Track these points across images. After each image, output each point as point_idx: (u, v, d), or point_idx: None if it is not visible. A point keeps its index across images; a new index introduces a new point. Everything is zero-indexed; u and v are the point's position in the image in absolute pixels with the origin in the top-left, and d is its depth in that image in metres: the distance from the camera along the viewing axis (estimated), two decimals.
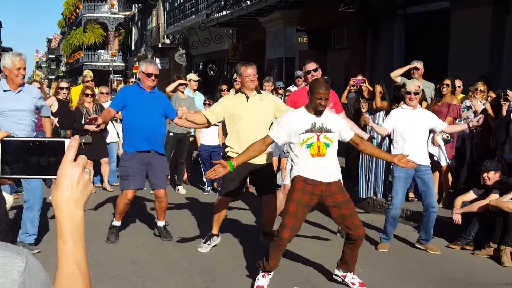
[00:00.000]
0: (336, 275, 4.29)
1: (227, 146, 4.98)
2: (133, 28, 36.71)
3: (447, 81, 6.98)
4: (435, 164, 6.52)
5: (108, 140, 8.25)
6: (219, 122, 5.37)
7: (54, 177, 1.01)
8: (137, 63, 31.12)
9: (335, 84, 8.87)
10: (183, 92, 8.09)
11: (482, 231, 5.36)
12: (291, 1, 12.89)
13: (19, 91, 4.85)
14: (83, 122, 7.56)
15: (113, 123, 8.17)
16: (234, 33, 18.29)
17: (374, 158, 6.84)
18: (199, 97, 8.98)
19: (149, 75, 5.19)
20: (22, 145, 1.04)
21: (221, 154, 8.37)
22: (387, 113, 7.21)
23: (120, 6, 39.24)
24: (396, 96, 7.44)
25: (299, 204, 3.96)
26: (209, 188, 8.26)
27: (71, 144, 1.02)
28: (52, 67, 68.10)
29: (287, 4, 13.36)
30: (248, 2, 15.07)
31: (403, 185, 5.27)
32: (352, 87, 7.95)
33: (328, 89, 4.01)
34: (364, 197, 7.23)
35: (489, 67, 8.43)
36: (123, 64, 38.27)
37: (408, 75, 7.56)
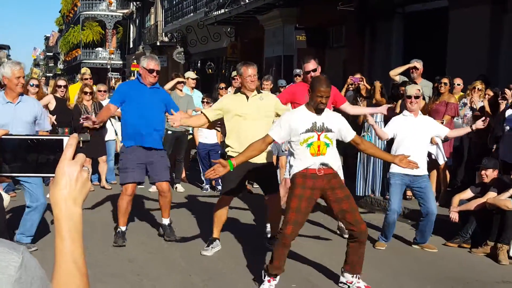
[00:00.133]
0: (341, 282, 4.23)
1: (227, 146, 4.94)
2: (131, 26, 36.66)
3: (445, 80, 6.99)
4: (433, 163, 6.54)
5: (106, 138, 8.24)
6: (218, 126, 5.30)
7: (53, 175, 1.01)
8: (135, 61, 31.07)
9: (333, 82, 8.85)
10: (181, 90, 8.09)
11: (479, 229, 5.38)
12: None
13: (18, 102, 4.84)
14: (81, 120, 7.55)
15: (111, 121, 8.16)
16: (232, 31, 18.28)
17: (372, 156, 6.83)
18: (197, 95, 8.98)
19: (150, 71, 5.11)
20: (21, 143, 1.04)
21: (219, 152, 8.42)
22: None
23: (118, 3, 39.16)
24: (394, 94, 7.45)
25: (301, 198, 3.94)
26: (207, 186, 8.26)
27: (69, 142, 1.02)
28: (49, 64, 67.93)
29: (285, 2, 13.37)
30: (247, 0, 15.06)
31: (399, 191, 5.27)
32: (350, 86, 7.96)
33: (329, 87, 3.97)
34: (361, 195, 7.24)
35: (487, 66, 8.44)
36: (121, 62, 38.21)
37: (407, 74, 7.57)
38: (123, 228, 5.27)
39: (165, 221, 5.42)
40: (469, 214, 5.42)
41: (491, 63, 8.50)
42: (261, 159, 4.69)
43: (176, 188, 8.13)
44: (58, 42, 58.00)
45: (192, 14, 20.64)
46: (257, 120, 4.78)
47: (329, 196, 4.03)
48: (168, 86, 7.80)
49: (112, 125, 8.25)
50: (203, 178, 8.45)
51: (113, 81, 20.13)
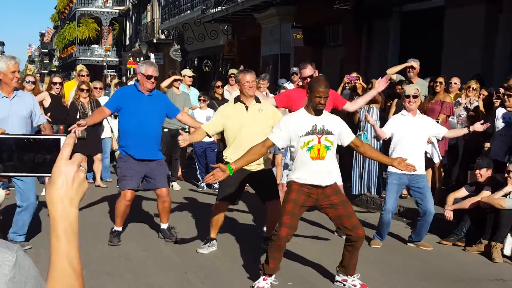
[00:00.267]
0: (337, 281, 4.25)
1: (225, 156, 4.87)
2: (128, 23, 36.53)
3: (440, 79, 7.01)
4: (428, 161, 6.56)
5: (102, 136, 8.22)
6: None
7: (49, 175, 1.01)
8: (131, 58, 31.03)
9: (330, 81, 8.86)
10: (178, 88, 8.08)
11: (474, 228, 5.41)
12: None
13: (14, 97, 4.82)
14: (78, 117, 7.53)
15: (107, 119, 8.14)
16: (229, 29, 18.25)
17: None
18: (194, 93, 8.97)
19: (149, 77, 5.01)
20: (17, 142, 1.03)
21: (216, 150, 8.43)
22: (381, 110, 7.27)
23: (114, 0, 39.02)
24: (390, 93, 7.47)
25: (296, 203, 3.95)
26: (203, 184, 8.26)
27: (66, 141, 1.02)
28: (44, 61, 67.61)
29: (282, 0, 13.35)
30: None
31: (395, 192, 5.28)
32: (346, 84, 7.96)
33: (327, 87, 3.96)
34: (357, 193, 7.26)
35: (482, 65, 8.47)
36: (117, 59, 38.06)
37: (403, 73, 7.59)
38: (119, 229, 5.25)
39: (164, 226, 5.37)
40: (464, 212, 5.45)
41: (486, 63, 8.53)
42: (259, 166, 4.69)
43: (172, 186, 8.12)
44: (53, 38, 57.75)
45: (189, 12, 20.59)
46: (256, 131, 4.71)
47: (324, 204, 4.03)
48: (165, 84, 7.79)
49: (108, 122, 8.23)
50: (199, 176, 8.45)
51: (109, 78, 20.04)
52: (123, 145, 5.20)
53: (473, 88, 7.06)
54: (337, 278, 4.25)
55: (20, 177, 4.32)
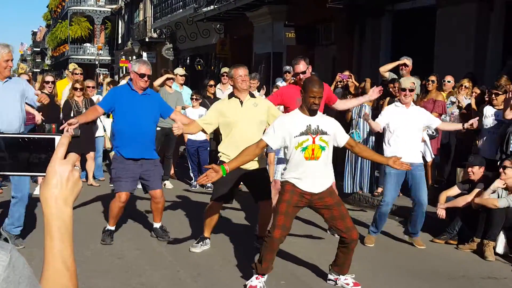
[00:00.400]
0: (329, 279, 4.27)
1: (220, 152, 4.86)
2: (120, 21, 36.37)
3: (433, 77, 7.04)
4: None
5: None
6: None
7: (44, 174, 1.01)
8: (123, 57, 30.91)
9: (322, 79, 8.87)
10: (170, 87, 8.06)
11: (466, 226, 5.44)
12: None
13: (6, 81, 4.82)
14: (72, 116, 7.50)
15: (99, 118, 8.11)
16: (221, 27, 18.23)
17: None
18: (186, 92, 8.95)
19: (142, 75, 4.98)
20: (11, 141, 1.03)
21: (208, 149, 8.42)
22: (373, 108, 7.29)
23: None
24: (383, 92, 7.48)
25: (289, 204, 3.95)
26: (196, 183, 8.25)
27: (61, 141, 1.02)
28: (37, 60, 67.19)
29: None
30: None
31: (394, 182, 5.24)
32: (338, 83, 7.98)
33: (321, 87, 3.95)
34: (349, 192, 7.27)
35: (473, 64, 8.52)
36: (109, 58, 37.91)
37: (396, 71, 7.61)
38: (112, 228, 5.24)
39: (157, 225, 5.39)
40: (456, 211, 5.48)
41: (478, 61, 8.58)
42: (254, 165, 4.67)
43: (164, 184, 8.11)
44: (45, 37, 57.39)
45: (181, 10, 20.54)
46: (251, 127, 4.72)
47: (318, 204, 4.03)
48: (157, 82, 7.76)
49: (101, 121, 8.20)
50: (191, 175, 8.44)
51: (101, 77, 19.95)
52: (118, 144, 5.17)
53: (465, 86, 7.10)
54: (330, 276, 4.27)
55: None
